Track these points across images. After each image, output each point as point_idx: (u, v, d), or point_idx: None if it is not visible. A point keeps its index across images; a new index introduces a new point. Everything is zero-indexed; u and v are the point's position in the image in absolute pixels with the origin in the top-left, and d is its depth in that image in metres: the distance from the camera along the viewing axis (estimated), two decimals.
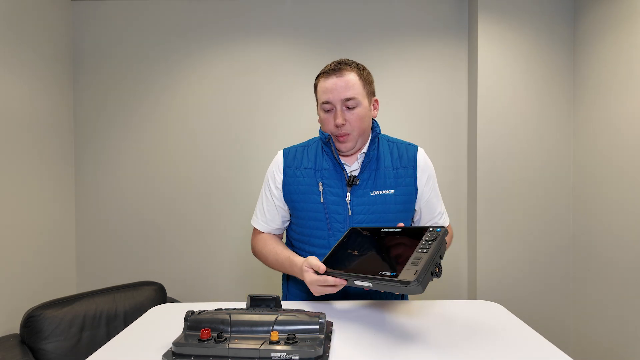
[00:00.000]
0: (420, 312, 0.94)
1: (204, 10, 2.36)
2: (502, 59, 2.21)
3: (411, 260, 0.78)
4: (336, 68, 1.11)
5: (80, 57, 2.37)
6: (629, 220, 1.82)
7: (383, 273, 0.78)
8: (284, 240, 1.30)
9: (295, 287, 1.22)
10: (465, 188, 2.37)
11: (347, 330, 0.84)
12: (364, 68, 1.14)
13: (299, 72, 2.34)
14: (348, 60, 1.14)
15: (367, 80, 1.14)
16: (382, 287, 0.78)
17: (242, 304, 0.97)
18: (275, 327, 0.75)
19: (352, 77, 1.10)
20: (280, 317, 0.77)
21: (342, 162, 1.15)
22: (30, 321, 1.50)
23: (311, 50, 2.35)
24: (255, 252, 1.25)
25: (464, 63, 2.35)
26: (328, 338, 0.78)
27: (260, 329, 0.75)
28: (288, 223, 1.26)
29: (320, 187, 1.12)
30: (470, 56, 2.31)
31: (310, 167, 1.16)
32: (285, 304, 0.98)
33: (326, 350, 0.72)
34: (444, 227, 0.82)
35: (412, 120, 2.36)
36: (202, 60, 2.37)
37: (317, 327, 0.76)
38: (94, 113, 2.38)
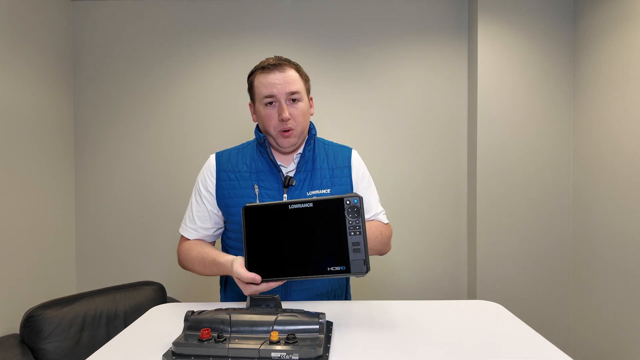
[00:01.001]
0: (420, 312, 0.94)
1: (204, 10, 2.36)
2: (502, 59, 2.21)
3: (350, 246, 0.82)
4: (277, 63, 1.09)
5: (80, 57, 2.37)
6: (629, 220, 1.82)
7: (332, 269, 0.82)
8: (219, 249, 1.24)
9: (233, 291, 1.19)
10: (465, 188, 2.37)
11: (347, 330, 0.84)
12: (300, 66, 1.15)
13: None
14: (284, 57, 1.13)
15: (305, 78, 1.14)
16: (327, 278, 0.81)
17: (242, 304, 0.97)
18: (275, 327, 0.75)
19: (293, 73, 1.10)
20: (280, 317, 0.77)
21: (278, 163, 1.13)
22: (30, 321, 1.49)
23: (311, 50, 2.35)
24: (181, 261, 1.15)
25: (464, 63, 2.35)
26: (328, 338, 0.78)
27: (260, 329, 0.75)
28: (221, 231, 1.21)
29: (256, 190, 1.10)
30: (470, 56, 2.31)
31: (246, 170, 1.13)
32: (285, 304, 0.98)
33: (326, 350, 0.72)
34: (358, 195, 0.83)
35: (412, 120, 2.36)
36: (202, 60, 2.37)
37: (317, 327, 0.76)
38: (94, 113, 2.38)
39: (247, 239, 0.88)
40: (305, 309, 0.82)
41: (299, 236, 0.85)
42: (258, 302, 0.86)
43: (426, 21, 2.35)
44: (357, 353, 0.74)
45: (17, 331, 1.81)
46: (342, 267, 0.82)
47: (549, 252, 2.25)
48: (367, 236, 0.94)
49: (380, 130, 2.36)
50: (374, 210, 1.21)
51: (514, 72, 2.22)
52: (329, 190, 1.12)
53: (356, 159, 1.20)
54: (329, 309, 0.97)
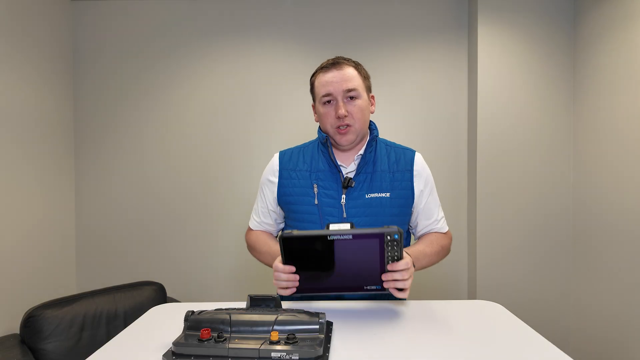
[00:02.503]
0: (420, 312, 0.94)
1: (204, 10, 2.36)
2: (502, 59, 2.21)
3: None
4: (335, 62, 1.11)
5: (80, 57, 2.37)
6: (629, 220, 1.82)
7: (368, 287, 0.88)
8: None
9: None
10: (465, 188, 2.37)
11: (347, 330, 0.84)
12: (360, 64, 1.15)
13: (299, 73, 2.34)
14: (344, 57, 1.14)
15: (365, 75, 1.14)
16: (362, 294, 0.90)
17: (242, 304, 0.97)
18: (275, 327, 0.75)
19: (351, 71, 1.11)
20: (280, 317, 0.77)
21: (339, 163, 1.14)
22: (30, 321, 1.49)
23: (311, 51, 2.35)
24: (249, 246, 1.26)
25: (464, 63, 2.35)
26: (328, 338, 0.78)
27: (260, 329, 0.75)
28: (282, 225, 1.26)
29: (315, 189, 1.11)
30: (470, 56, 2.31)
31: (306, 169, 1.15)
32: (285, 304, 0.98)
33: (326, 350, 0.72)
34: (398, 230, 0.84)
35: (412, 120, 2.36)
36: (202, 60, 2.37)
37: (317, 327, 0.75)
38: (94, 113, 2.38)
39: (284, 250, 0.90)
40: (305, 309, 0.82)
41: (336, 266, 0.87)
42: (258, 302, 0.86)
43: (426, 22, 2.35)
44: (357, 353, 0.74)
45: (17, 331, 1.81)
46: (377, 287, 0.88)
47: (549, 252, 2.25)
48: (426, 253, 1.09)
49: (380, 130, 2.35)
50: (435, 216, 1.20)
51: (514, 72, 2.22)
52: (388, 194, 1.11)
53: (419, 163, 1.18)
54: (329, 309, 0.97)
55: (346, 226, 0.86)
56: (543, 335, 0.81)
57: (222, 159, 2.38)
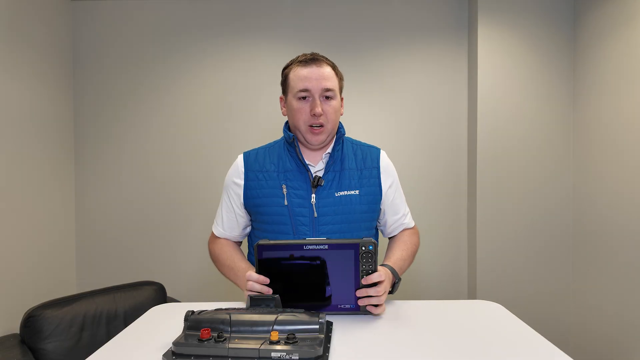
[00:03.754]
0: (420, 312, 0.94)
1: (204, 11, 2.36)
2: (502, 59, 2.21)
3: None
4: (314, 58, 1.09)
5: (80, 57, 2.37)
6: (629, 220, 1.82)
7: (342, 306, 0.90)
8: (246, 247, 1.27)
9: None
10: (465, 188, 2.37)
11: (347, 330, 0.84)
12: (336, 65, 1.15)
13: None
14: (320, 54, 1.13)
15: (340, 77, 1.14)
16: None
17: (242, 304, 0.97)
18: (275, 327, 0.75)
19: (329, 70, 1.09)
20: (280, 317, 0.77)
21: (307, 162, 1.12)
22: (30, 321, 1.49)
23: (309, 51, 2.35)
24: (211, 256, 1.22)
25: (464, 63, 2.35)
26: (328, 338, 0.78)
27: (260, 328, 0.75)
28: (248, 230, 1.22)
29: (284, 190, 1.09)
30: (470, 56, 2.31)
31: (274, 170, 1.12)
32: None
33: (326, 350, 0.72)
34: (372, 241, 0.87)
35: (412, 120, 2.36)
36: (202, 60, 2.37)
37: (317, 327, 0.76)
38: (94, 113, 2.38)
39: (259, 271, 0.90)
40: (305, 309, 0.82)
41: (312, 275, 0.88)
42: (258, 302, 0.86)
43: (426, 22, 2.35)
44: (357, 353, 0.74)
45: (17, 331, 1.81)
46: (351, 306, 0.90)
47: (549, 252, 2.25)
48: (404, 257, 1.11)
49: (380, 130, 2.36)
50: (402, 211, 1.21)
51: (514, 72, 2.22)
52: (357, 192, 1.11)
53: (385, 160, 1.19)
54: None
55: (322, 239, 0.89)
56: (544, 334, 0.81)
57: (222, 159, 2.38)
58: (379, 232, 1.27)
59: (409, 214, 1.25)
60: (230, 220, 1.18)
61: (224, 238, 1.22)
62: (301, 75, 1.07)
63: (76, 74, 2.37)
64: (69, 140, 2.35)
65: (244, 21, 2.36)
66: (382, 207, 1.18)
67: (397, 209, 1.20)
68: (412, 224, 1.25)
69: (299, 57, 1.12)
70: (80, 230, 2.39)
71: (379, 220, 1.22)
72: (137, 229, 2.39)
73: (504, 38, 2.21)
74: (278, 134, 2.34)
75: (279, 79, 1.13)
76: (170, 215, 2.39)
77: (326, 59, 1.11)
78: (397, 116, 2.36)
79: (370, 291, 0.88)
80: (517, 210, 2.24)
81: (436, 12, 2.34)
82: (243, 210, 1.16)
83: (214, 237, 1.24)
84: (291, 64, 1.12)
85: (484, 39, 2.20)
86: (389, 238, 1.25)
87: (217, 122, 2.38)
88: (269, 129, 2.37)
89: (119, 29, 2.37)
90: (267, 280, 0.88)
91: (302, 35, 2.36)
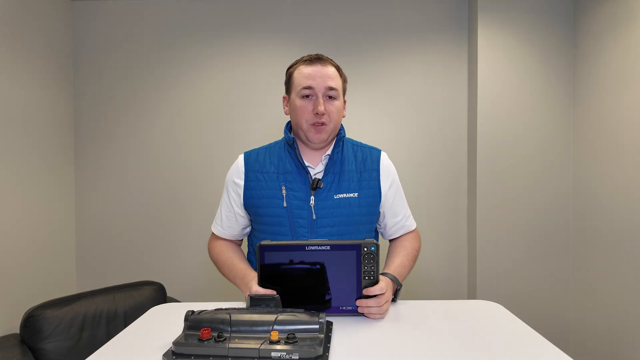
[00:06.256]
0: (420, 312, 0.95)
1: (205, 11, 2.36)
2: (502, 59, 2.21)
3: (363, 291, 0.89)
4: (318, 57, 1.10)
5: (80, 57, 2.37)
6: (628, 219, 1.82)
7: (343, 308, 0.90)
8: (246, 247, 1.27)
9: None
10: (465, 188, 2.37)
11: (347, 330, 0.84)
12: (340, 67, 1.15)
13: None
14: (325, 55, 1.13)
15: (344, 79, 1.14)
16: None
17: (242, 304, 0.97)
18: (275, 327, 0.75)
19: (333, 70, 1.10)
20: (280, 317, 0.77)
21: (307, 164, 1.12)
22: (30, 321, 1.49)
23: (310, 51, 2.35)
24: (211, 257, 1.23)
25: (464, 63, 2.35)
26: (328, 338, 0.78)
27: (260, 328, 0.75)
28: (248, 230, 1.22)
29: (284, 191, 1.09)
30: (470, 56, 2.31)
31: (274, 171, 1.11)
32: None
33: (326, 350, 0.72)
34: (375, 242, 0.87)
35: (412, 120, 2.36)
36: (202, 60, 2.37)
37: (317, 327, 0.76)
38: (94, 113, 2.38)
39: (260, 276, 0.91)
40: (305, 309, 0.82)
41: (313, 279, 0.88)
42: (258, 302, 0.86)
43: (426, 22, 2.35)
44: (357, 353, 0.74)
45: (17, 331, 1.81)
46: (352, 307, 0.90)
47: (549, 252, 2.25)
48: (405, 264, 1.11)
49: (380, 130, 2.36)
50: (402, 214, 1.20)
51: (514, 72, 2.22)
52: (356, 194, 1.10)
53: (385, 162, 1.18)
54: None
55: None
56: (544, 332, 0.82)
57: (223, 159, 2.38)
58: (379, 235, 1.27)
59: (410, 216, 1.24)
60: (229, 219, 1.18)
61: (224, 238, 1.22)
62: (305, 73, 1.08)
63: (76, 74, 2.37)
64: (69, 140, 2.35)
65: (245, 23, 2.36)
66: (381, 209, 1.17)
67: (396, 212, 1.19)
68: (414, 226, 1.24)
69: (304, 57, 1.12)
70: (80, 230, 2.39)
71: (379, 223, 1.22)
72: (136, 229, 2.39)
73: (504, 38, 2.21)
74: (280, 134, 2.35)
75: (281, 80, 1.13)
76: (171, 215, 2.39)
77: (331, 60, 1.12)
78: (397, 116, 2.36)
79: (371, 302, 0.88)
80: (516, 209, 2.24)
81: (436, 12, 2.34)
82: (243, 210, 1.16)
83: (214, 238, 1.24)
84: (296, 63, 1.13)
85: (483, 39, 2.20)
86: (390, 240, 1.25)
87: (218, 122, 2.38)
88: (270, 130, 2.37)
89: (119, 29, 2.37)
90: (274, 293, 0.89)
91: (304, 36, 2.36)
